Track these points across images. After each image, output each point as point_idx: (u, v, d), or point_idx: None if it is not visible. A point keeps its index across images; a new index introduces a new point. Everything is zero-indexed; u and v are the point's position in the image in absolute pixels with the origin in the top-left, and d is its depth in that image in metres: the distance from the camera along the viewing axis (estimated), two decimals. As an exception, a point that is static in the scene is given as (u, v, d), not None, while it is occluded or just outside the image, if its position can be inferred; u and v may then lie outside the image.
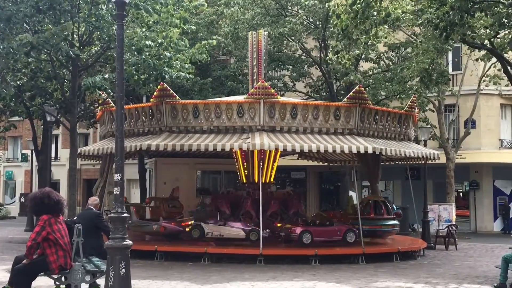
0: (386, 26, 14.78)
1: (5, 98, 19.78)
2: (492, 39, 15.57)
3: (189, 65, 20.63)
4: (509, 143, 29.03)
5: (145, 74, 19.31)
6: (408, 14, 14.44)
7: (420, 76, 15.75)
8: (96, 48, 21.40)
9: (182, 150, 15.37)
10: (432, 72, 15.60)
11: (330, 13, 16.57)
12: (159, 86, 15.94)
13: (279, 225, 16.93)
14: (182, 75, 19.98)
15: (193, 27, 22.45)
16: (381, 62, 25.78)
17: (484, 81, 24.92)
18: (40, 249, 8.87)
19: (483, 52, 17.89)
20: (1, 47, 18.12)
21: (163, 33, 19.18)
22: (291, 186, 33.21)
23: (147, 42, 18.62)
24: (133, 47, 18.70)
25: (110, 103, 17.37)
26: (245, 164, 18.60)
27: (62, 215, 9.22)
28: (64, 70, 21.42)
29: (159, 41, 18.94)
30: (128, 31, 18.73)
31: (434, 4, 13.50)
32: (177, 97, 15.86)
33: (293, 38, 25.67)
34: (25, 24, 18.57)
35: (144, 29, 19.12)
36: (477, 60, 18.76)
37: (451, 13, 13.08)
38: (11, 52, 18.14)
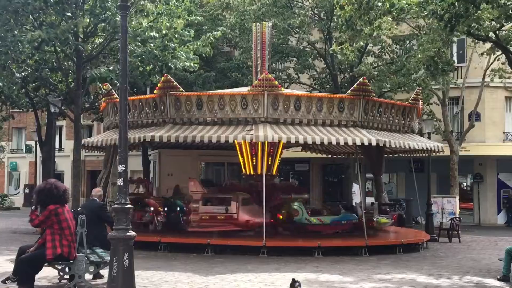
0: (389, 18, 14.68)
1: (10, 89, 19.79)
2: (497, 32, 15.48)
3: (195, 56, 20.58)
4: (514, 136, 28.97)
5: (150, 66, 19.30)
6: (412, 5, 14.32)
7: (426, 65, 15.68)
8: (99, 40, 21.38)
9: (185, 141, 15.38)
10: (438, 60, 15.53)
11: (334, 4, 16.49)
12: (162, 78, 15.95)
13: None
14: (187, 65, 19.94)
15: (199, 18, 22.38)
16: (384, 56, 25.69)
17: (489, 75, 24.81)
18: (41, 239, 8.93)
19: (488, 46, 17.80)
20: (9, 40, 18.13)
21: (168, 24, 19.14)
22: (294, 178, 33.23)
23: (151, 34, 18.58)
24: (138, 37, 18.66)
25: (114, 95, 17.38)
26: (241, 156, 18.61)
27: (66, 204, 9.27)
28: (68, 62, 21.43)
29: (164, 32, 18.90)
30: (133, 22, 18.71)
31: (439, -5, 13.40)
32: (181, 89, 15.85)
33: (298, 30, 25.59)
34: (30, 16, 18.55)
35: (148, 20, 19.08)
36: (482, 54, 18.67)
37: (456, 4, 12.99)
38: (17, 44, 18.15)
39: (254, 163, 18.29)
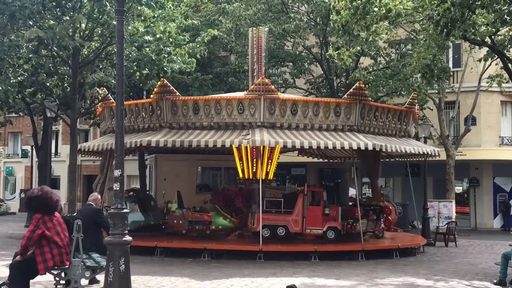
0: (386, 23, 14.73)
1: (7, 93, 19.76)
2: (492, 36, 15.54)
3: (191, 59, 20.57)
4: (509, 140, 29.01)
5: (146, 70, 19.30)
6: (409, 10, 14.36)
7: (422, 72, 15.74)
8: (96, 44, 21.38)
9: (182, 146, 15.38)
10: (433, 67, 15.59)
11: (330, 9, 16.52)
12: (159, 82, 15.95)
13: None
14: (183, 66, 19.93)
15: (195, 22, 22.39)
16: (379, 59, 25.72)
17: (487, 82, 24.86)
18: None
19: (484, 51, 17.86)
20: (6, 44, 18.10)
21: (161, 27, 19.15)
22: (291, 182, 33.22)
23: (146, 38, 18.60)
24: (135, 43, 18.68)
25: (110, 99, 17.36)
26: (239, 160, 18.62)
27: (59, 211, 9.19)
28: (64, 66, 21.41)
29: (158, 36, 18.91)
30: (129, 27, 18.71)
31: (435, 1, 13.47)
32: (177, 93, 15.86)
33: (293, 34, 25.64)
34: (28, 20, 18.56)
35: (145, 25, 19.09)
36: (479, 60, 18.74)
37: (452, 9, 13.05)
38: (14, 48, 18.12)
39: (243, 168, 18.34)
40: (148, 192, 18.62)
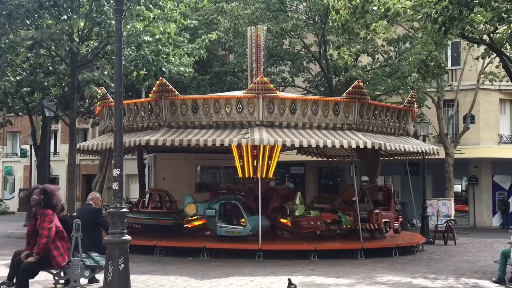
0: (385, 22, 14.72)
1: (6, 92, 19.72)
2: (491, 34, 15.54)
3: (189, 59, 20.54)
4: (508, 138, 29.05)
5: (144, 70, 19.30)
6: (407, 9, 14.36)
7: (417, 67, 15.77)
8: (95, 44, 21.36)
9: (181, 145, 15.37)
10: (429, 63, 15.61)
11: (329, 8, 16.52)
12: (158, 81, 15.93)
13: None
14: (182, 70, 19.94)
15: (194, 22, 22.38)
16: (378, 56, 25.72)
17: (481, 77, 24.90)
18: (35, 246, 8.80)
19: (482, 49, 17.86)
20: (2, 42, 18.10)
21: (161, 28, 19.15)
22: (290, 181, 33.26)
23: (145, 38, 18.59)
24: (131, 44, 18.67)
25: (109, 98, 17.35)
26: (239, 159, 18.57)
27: (61, 211, 9.20)
28: (63, 66, 21.39)
29: (157, 36, 18.91)
30: (128, 26, 18.70)
31: (433, -2, 13.46)
32: (176, 92, 15.85)
33: (292, 33, 25.65)
34: (25, 19, 18.55)
35: (144, 24, 19.08)
36: (477, 58, 18.75)
37: (450, 7, 13.04)
38: (12, 47, 18.11)
39: (242, 167, 18.31)
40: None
